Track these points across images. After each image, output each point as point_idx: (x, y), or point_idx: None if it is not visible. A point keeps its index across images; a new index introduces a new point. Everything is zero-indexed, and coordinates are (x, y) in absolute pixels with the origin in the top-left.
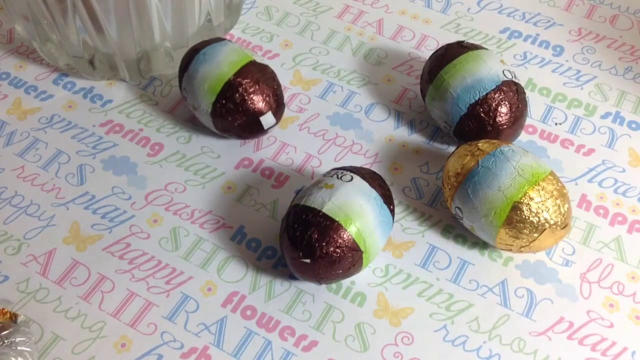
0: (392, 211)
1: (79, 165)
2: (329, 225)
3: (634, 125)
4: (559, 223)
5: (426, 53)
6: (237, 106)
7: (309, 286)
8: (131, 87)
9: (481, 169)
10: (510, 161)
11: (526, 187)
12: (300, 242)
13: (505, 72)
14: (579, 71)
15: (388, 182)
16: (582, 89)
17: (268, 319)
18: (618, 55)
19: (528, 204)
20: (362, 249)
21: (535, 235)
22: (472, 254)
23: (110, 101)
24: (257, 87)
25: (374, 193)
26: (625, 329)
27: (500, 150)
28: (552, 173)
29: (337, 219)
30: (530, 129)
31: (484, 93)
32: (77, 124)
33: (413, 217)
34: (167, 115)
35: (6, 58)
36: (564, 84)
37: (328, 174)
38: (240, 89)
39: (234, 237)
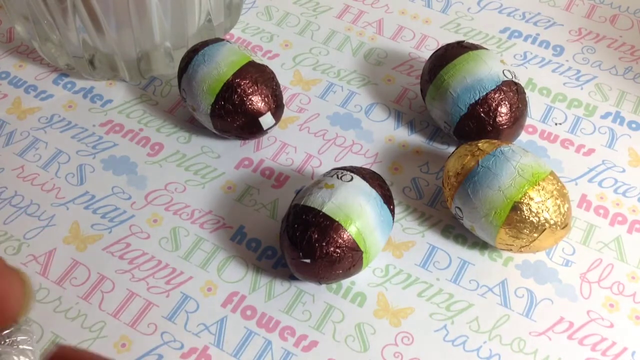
0: (392, 211)
1: (79, 165)
2: (329, 225)
3: (634, 125)
4: (559, 223)
5: (426, 53)
6: (236, 107)
7: (309, 286)
8: (131, 87)
9: (481, 169)
10: (510, 161)
11: (526, 187)
12: (300, 242)
13: (505, 72)
14: (579, 71)
15: (388, 182)
16: (582, 89)
17: (268, 319)
18: (618, 55)
19: (528, 204)
20: (362, 249)
21: (535, 235)
22: (472, 254)
23: (110, 101)
24: (255, 87)
25: (374, 193)
26: (625, 329)
27: (500, 150)
28: (552, 173)
29: (337, 219)
30: (530, 129)
31: (484, 93)
32: (77, 123)
33: (413, 217)
34: (167, 115)
35: (6, 57)
36: (564, 84)
37: (328, 174)
38: (239, 90)
39: (234, 237)
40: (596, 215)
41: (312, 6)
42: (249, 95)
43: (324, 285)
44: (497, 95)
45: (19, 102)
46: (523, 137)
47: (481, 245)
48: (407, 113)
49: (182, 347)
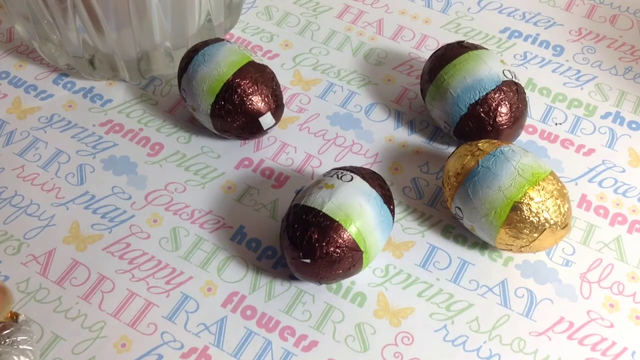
0: (392, 211)
1: (79, 165)
2: (329, 225)
3: (634, 125)
4: (559, 223)
5: (426, 53)
6: (236, 107)
7: (309, 286)
8: (131, 87)
9: (481, 169)
10: (510, 161)
11: (526, 187)
12: (300, 242)
13: (505, 72)
14: (579, 71)
15: (388, 182)
16: (582, 89)
17: (268, 319)
18: (618, 55)
19: (528, 204)
20: (362, 249)
21: (535, 235)
22: (472, 254)
23: (110, 101)
24: (255, 87)
25: (374, 193)
26: (625, 329)
27: (500, 150)
28: (552, 173)
29: (337, 219)
30: (530, 129)
31: (484, 93)
32: (77, 123)
33: (413, 217)
34: (167, 115)
35: (6, 57)
36: (564, 84)
37: (328, 174)
38: (239, 90)
39: (234, 237)
40: (596, 215)
41: (312, 6)
42: (249, 95)
43: (324, 285)
44: (497, 95)
45: (19, 102)
46: (523, 137)
47: (481, 245)
48: (407, 113)
49: (182, 347)
